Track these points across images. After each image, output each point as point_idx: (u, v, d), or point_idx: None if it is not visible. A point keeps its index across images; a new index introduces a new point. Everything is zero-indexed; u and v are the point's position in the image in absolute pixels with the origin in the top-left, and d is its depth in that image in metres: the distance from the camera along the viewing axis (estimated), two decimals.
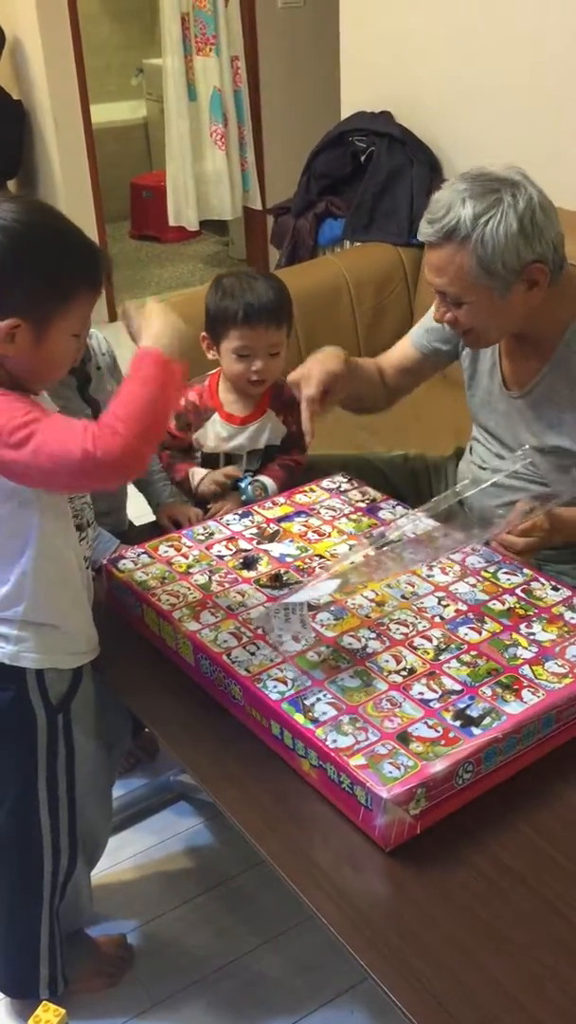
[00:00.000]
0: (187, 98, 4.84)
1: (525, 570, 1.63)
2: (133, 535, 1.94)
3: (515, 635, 1.48)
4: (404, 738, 1.29)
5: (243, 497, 1.93)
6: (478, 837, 1.25)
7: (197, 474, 1.97)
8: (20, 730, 1.53)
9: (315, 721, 1.32)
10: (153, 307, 1.44)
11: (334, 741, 1.28)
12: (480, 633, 1.49)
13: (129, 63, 6.69)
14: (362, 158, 3.51)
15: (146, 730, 2.16)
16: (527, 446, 1.70)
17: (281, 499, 1.87)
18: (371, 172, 3.44)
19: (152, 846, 2.14)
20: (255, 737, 1.42)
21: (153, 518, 2.02)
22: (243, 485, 1.94)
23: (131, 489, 2.05)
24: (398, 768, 1.23)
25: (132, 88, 6.75)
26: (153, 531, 1.89)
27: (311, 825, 1.29)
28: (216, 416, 1.97)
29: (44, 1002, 1.52)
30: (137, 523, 2.04)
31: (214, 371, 2.00)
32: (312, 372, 1.82)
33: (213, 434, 1.98)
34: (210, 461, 1.99)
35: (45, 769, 1.56)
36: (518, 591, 1.58)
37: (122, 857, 2.11)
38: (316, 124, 3.91)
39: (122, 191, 6.26)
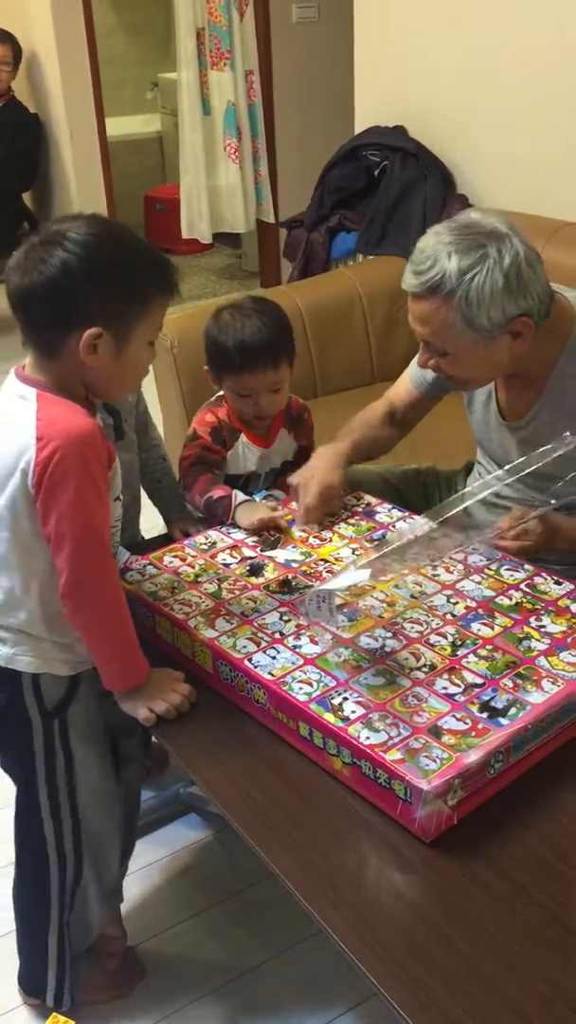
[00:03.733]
0: (201, 112, 4.87)
1: (527, 566, 1.67)
2: (144, 547, 1.94)
3: (526, 628, 1.52)
4: (436, 732, 1.31)
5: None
6: (486, 852, 1.25)
7: (239, 497, 1.86)
8: (17, 733, 1.55)
9: (345, 719, 1.34)
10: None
11: (367, 738, 1.30)
12: (492, 628, 1.52)
13: (144, 77, 6.74)
14: (376, 172, 3.53)
15: (155, 741, 2.16)
16: (568, 433, 1.68)
17: (280, 508, 1.88)
18: (384, 186, 3.45)
19: (161, 858, 2.14)
20: (265, 749, 1.42)
21: (163, 530, 2.02)
22: (259, 500, 1.94)
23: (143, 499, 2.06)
24: (434, 761, 1.26)
25: (147, 102, 6.81)
26: (163, 543, 1.89)
27: (321, 839, 1.28)
28: (243, 438, 1.95)
29: (54, 1014, 1.52)
30: (147, 535, 2.04)
31: (222, 392, 1.98)
32: (311, 485, 1.84)
33: (241, 456, 1.96)
34: (231, 481, 1.97)
35: (44, 774, 1.57)
36: (523, 586, 1.62)
37: (131, 869, 2.09)
38: (330, 138, 3.93)
39: (136, 204, 6.30)
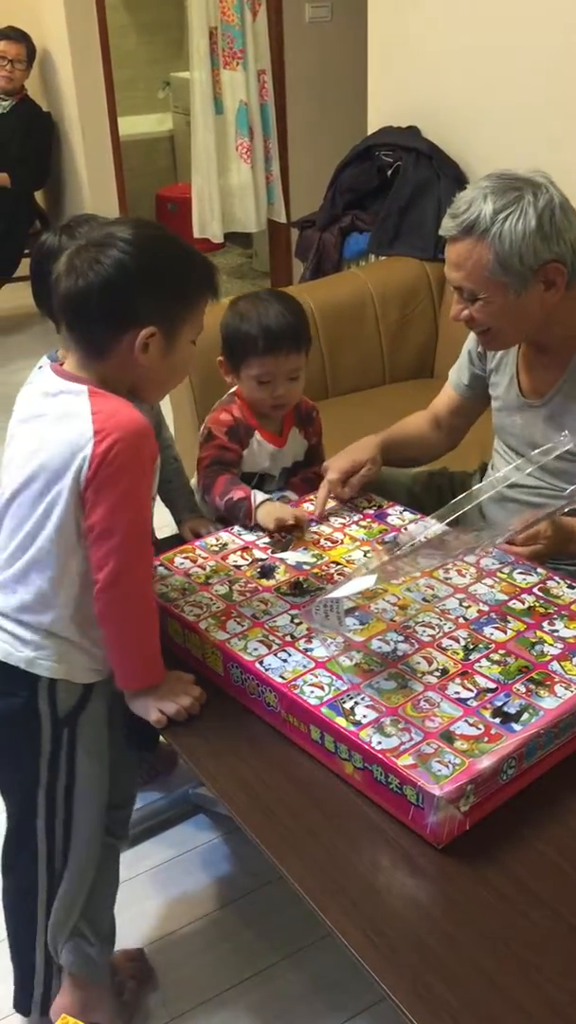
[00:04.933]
0: (213, 111, 4.87)
1: (539, 569, 1.66)
2: (156, 548, 1.93)
3: (539, 632, 1.51)
4: (448, 737, 1.30)
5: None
6: (498, 858, 1.24)
7: (258, 496, 1.85)
8: (24, 738, 1.53)
9: (357, 724, 1.33)
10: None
11: (379, 743, 1.30)
12: (505, 632, 1.51)
13: (156, 76, 6.74)
14: (388, 172, 3.52)
15: (163, 742, 2.15)
16: (566, 432, 1.69)
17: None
18: (397, 186, 3.44)
19: (170, 859, 2.14)
20: (275, 752, 1.42)
21: (173, 530, 2.01)
22: (276, 500, 1.92)
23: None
24: (446, 766, 1.25)
25: (159, 101, 6.81)
26: (174, 544, 1.88)
27: (331, 844, 1.28)
28: (257, 435, 1.94)
29: (64, 1015, 1.51)
30: (161, 534, 2.04)
31: (234, 389, 1.98)
32: (339, 459, 1.92)
33: (256, 454, 1.95)
34: (245, 479, 1.96)
35: (46, 782, 1.55)
36: (535, 590, 1.61)
37: (139, 870, 2.10)
38: (342, 138, 3.93)
39: (148, 203, 6.30)
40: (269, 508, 1.82)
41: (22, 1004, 1.73)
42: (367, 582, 1.43)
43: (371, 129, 3.72)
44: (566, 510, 1.66)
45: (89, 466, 1.35)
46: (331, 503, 1.89)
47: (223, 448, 1.91)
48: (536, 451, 1.74)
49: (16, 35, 4.82)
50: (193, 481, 2.01)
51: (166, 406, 1.90)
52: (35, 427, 1.45)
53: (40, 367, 1.85)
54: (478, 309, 1.73)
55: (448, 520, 1.57)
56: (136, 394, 1.46)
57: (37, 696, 1.50)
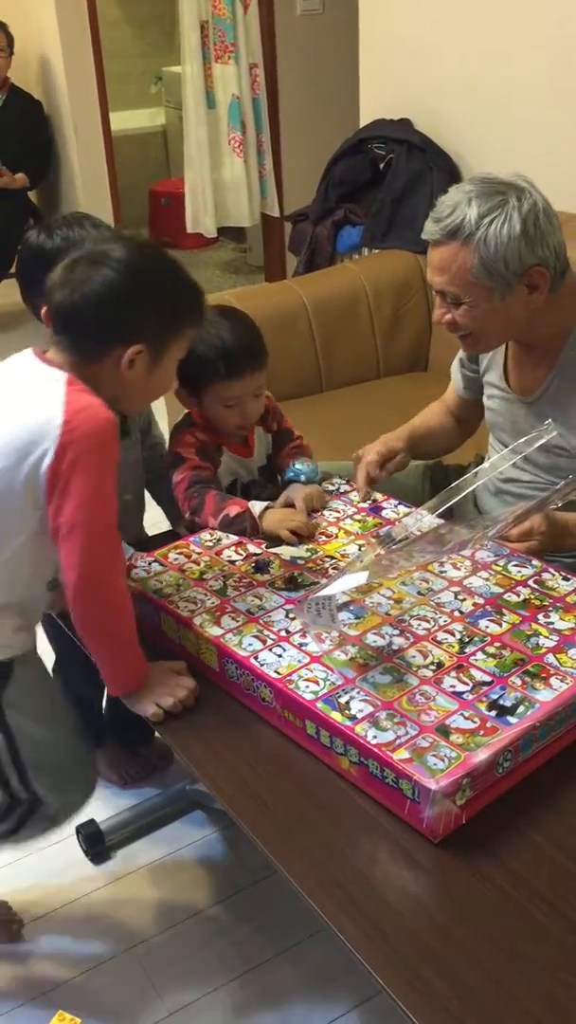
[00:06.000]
0: (205, 105, 4.85)
1: (534, 562, 1.66)
2: (149, 544, 1.93)
3: (535, 625, 1.51)
4: (444, 730, 1.30)
5: (303, 479, 1.90)
6: (494, 850, 1.24)
7: (256, 507, 1.79)
8: None
9: (352, 718, 1.33)
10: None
11: (375, 737, 1.29)
12: (500, 625, 1.51)
13: (148, 71, 6.72)
14: (381, 165, 3.51)
15: (158, 737, 2.15)
16: (550, 420, 1.69)
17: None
18: (390, 179, 3.43)
19: (166, 855, 2.14)
20: (271, 748, 1.42)
21: (167, 527, 2.01)
22: (300, 469, 1.90)
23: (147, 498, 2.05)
24: (442, 760, 1.25)
25: (151, 95, 6.79)
26: (168, 540, 1.87)
27: (327, 838, 1.28)
28: (226, 452, 1.89)
29: (60, 1012, 1.52)
30: (151, 532, 2.03)
31: (187, 411, 1.91)
32: (375, 445, 1.95)
33: (228, 466, 1.91)
34: (228, 490, 1.91)
35: None
36: (531, 582, 1.61)
37: (136, 866, 2.10)
38: (335, 131, 3.92)
39: (140, 198, 6.28)
40: (274, 516, 1.77)
41: None
42: (359, 579, 1.42)
43: (363, 122, 3.71)
44: (559, 504, 1.65)
45: (53, 456, 1.36)
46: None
47: (197, 468, 1.84)
48: (522, 440, 1.73)
49: None
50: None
51: (156, 404, 1.88)
52: None
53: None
54: (462, 313, 1.73)
55: (439, 511, 1.56)
56: (116, 403, 1.46)
57: None
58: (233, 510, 1.78)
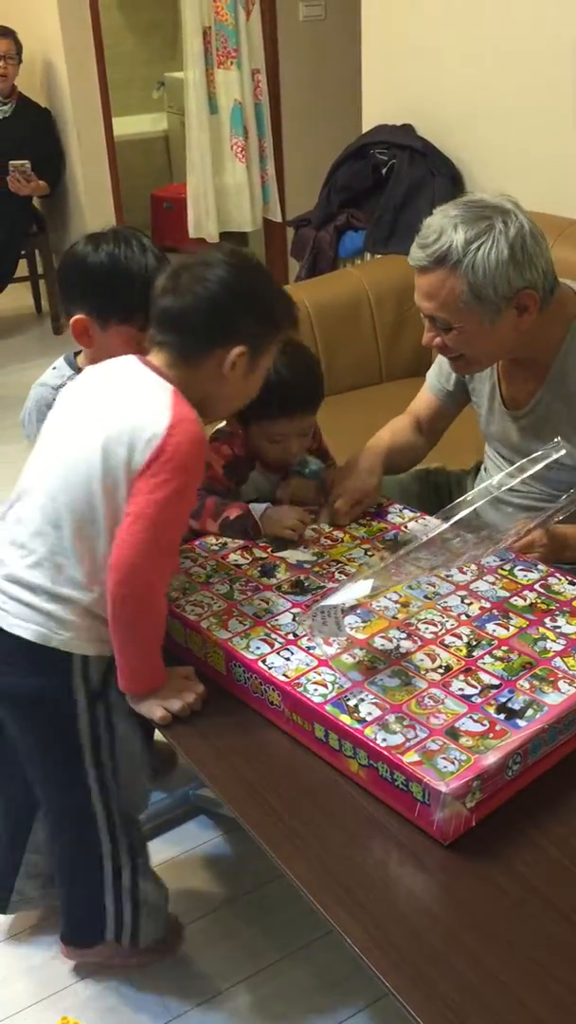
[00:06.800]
0: (208, 111, 4.86)
1: (540, 566, 1.66)
2: None
3: (542, 629, 1.51)
4: (453, 733, 1.31)
5: (306, 472, 1.91)
6: (502, 855, 1.24)
7: (258, 508, 1.79)
8: (62, 715, 1.56)
9: (362, 721, 1.33)
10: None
11: (384, 740, 1.30)
12: (508, 629, 1.51)
13: (151, 76, 6.73)
14: (383, 171, 3.52)
15: (163, 741, 2.16)
16: (559, 438, 1.69)
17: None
18: (392, 184, 3.44)
19: (171, 859, 2.14)
20: (279, 752, 1.42)
21: None
22: (305, 462, 1.90)
23: None
24: (452, 763, 1.25)
25: (154, 101, 6.79)
26: None
27: (336, 842, 1.28)
28: (258, 466, 1.89)
29: (64, 1016, 1.52)
30: None
31: (227, 425, 1.90)
32: (346, 486, 1.84)
33: (257, 482, 1.90)
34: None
35: (91, 754, 1.59)
36: (537, 587, 1.61)
37: None
38: (337, 137, 3.93)
39: (143, 203, 6.28)
40: (274, 515, 1.78)
41: (95, 931, 1.77)
42: (363, 588, 1.43)
43: (366, 127, 3.72)
44: (560, 518, 1.66)
45: (153, 450, 1.39)
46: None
47: (214, 479, 1.82)
48: (527, 459, 1.73)
49: (1, 31, 4.78)
50: None
51: None
52: (100, 395, 1.51)
53: (55, 367, 1.87)
54: (451, 338, 1.72)
55: (447, 524, 1.56)
56: (204, 408, 1.49)
57: (71, 676, 1.53)
58: (233, 512, 1.78)
